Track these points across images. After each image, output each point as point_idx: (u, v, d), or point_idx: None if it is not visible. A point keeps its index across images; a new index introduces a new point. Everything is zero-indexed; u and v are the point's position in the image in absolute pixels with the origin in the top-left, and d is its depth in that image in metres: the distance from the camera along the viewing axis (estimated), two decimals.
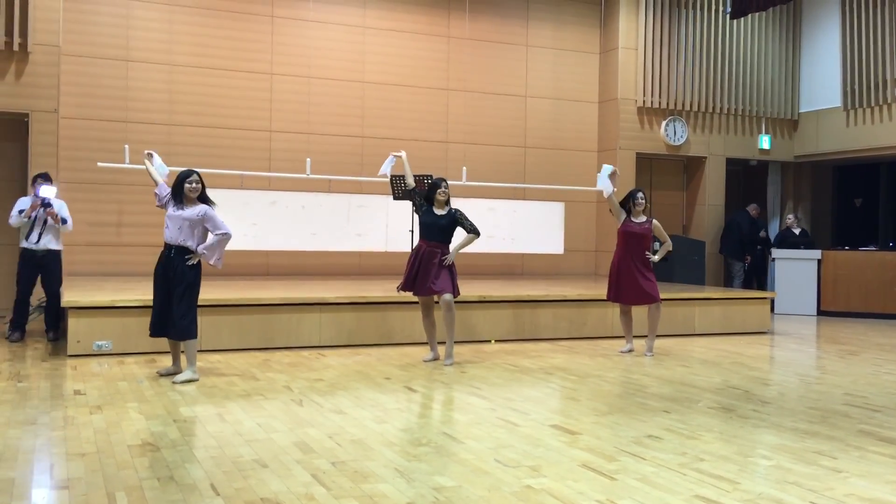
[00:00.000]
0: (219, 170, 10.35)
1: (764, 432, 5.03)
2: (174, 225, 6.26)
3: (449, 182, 7.49)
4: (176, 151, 10.52)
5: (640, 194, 8.18)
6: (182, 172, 6.39)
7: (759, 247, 13.41)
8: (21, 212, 8.11)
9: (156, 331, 6.42)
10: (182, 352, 6.50)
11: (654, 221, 8.24)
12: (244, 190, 10.24)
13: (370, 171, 11.41)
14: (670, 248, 8.29)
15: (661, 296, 8.17)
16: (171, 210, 6.30)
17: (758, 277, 13.73)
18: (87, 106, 10.21)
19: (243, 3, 10.99)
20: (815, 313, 12.42)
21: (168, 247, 6.29)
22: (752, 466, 4.29)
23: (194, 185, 6.28)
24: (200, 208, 6.32)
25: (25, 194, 9.48)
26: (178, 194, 6.30)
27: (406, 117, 11.84)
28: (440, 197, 7.41)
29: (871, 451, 4.60)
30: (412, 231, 9.67)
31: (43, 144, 9.43)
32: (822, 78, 13.64)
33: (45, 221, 8.16)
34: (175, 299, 6.27)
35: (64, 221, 8.25)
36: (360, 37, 11.63)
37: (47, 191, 8.13)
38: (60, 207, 8.29)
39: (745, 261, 13.28)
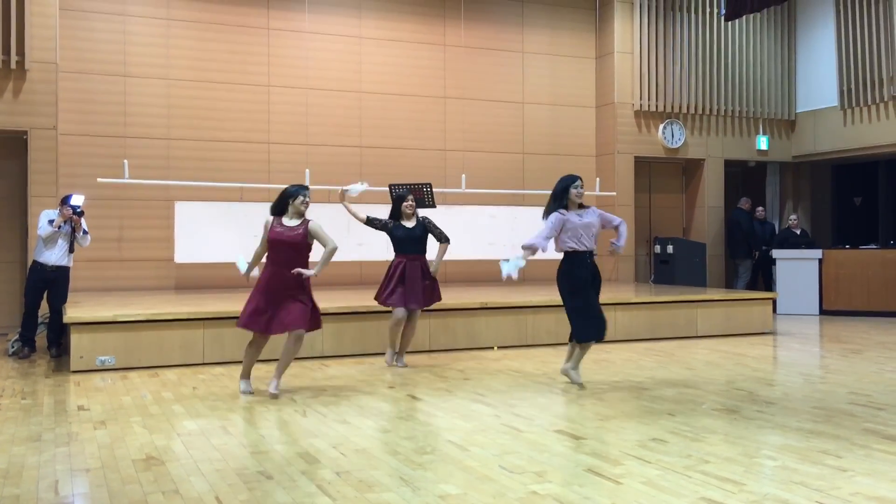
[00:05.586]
0: (218, 183, 10.39)
1: (769, 433, 5.02)
2: (588, 232, 6.53)
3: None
4: (175, 165, 10.56)
5: (298, 189, 6.18)
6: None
7: (763, 247, 13.36)
8: (51, 221, 8.06)
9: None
10: None
11: (312, 224, 6.11)
12: (244, 202, 10.26)
13: (369, 181, 11.41)
14: (330, 257, 6.03)
15: (662, 298, 7.95)
16: (577, 219, 6.50)
17: (764, 277, 13.69)
18: (86, 122, 10.23)
19: (239, 16, 11.02)
20: (818, 313, 12.40)
21: (588, 253, 6.58)
22: (758, 467, 4.29)
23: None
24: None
25: (26, 212, 9.51)
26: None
27: (404, 126, 11.85)
28: (408, 210, 7.51)
29: (876, 450, 4.59)
30: None
31: (42, 161, 9.45)
32: (819, 77, 13.66)
33: (73, 235, 8.15)
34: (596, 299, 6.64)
35: (85, 232, 8.27)
36: (357, 47, 11.66)
37: (78, 199, 8.15)
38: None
39: (753, 257, 13.27)
